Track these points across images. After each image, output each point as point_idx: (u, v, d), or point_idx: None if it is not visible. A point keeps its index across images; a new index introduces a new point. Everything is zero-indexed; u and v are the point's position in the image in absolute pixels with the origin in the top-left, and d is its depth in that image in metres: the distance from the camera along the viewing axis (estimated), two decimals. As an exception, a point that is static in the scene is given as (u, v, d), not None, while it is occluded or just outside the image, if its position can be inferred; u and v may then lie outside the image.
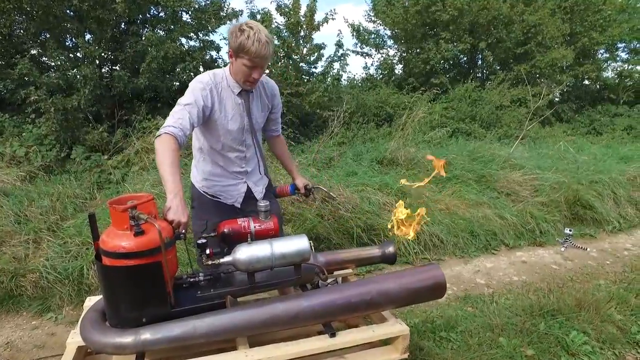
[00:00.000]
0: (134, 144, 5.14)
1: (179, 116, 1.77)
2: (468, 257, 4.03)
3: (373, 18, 12.39)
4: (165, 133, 1.70)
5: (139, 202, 1.57)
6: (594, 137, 10.09)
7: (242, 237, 1.86)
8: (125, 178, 4.83)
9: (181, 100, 1.84)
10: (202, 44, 7.63)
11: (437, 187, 5.08)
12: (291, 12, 7.40)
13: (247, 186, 2.16)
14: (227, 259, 1.69)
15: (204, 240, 1.75)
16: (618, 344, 2.52)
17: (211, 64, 7.95)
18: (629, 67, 13.17)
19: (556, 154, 6.57)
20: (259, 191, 2.20)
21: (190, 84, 1.91)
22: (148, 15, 7.24)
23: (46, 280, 3.08)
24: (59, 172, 5.12)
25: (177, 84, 7.10)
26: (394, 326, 1.82)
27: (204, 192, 2.14)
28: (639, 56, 13.48)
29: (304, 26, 7.43)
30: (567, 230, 4.35)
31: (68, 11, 6.16)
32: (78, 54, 6.60)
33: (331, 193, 2.83)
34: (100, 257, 1.57)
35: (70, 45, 6.67)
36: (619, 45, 13.38)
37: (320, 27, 7.42)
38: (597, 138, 9.74)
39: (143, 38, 6.81)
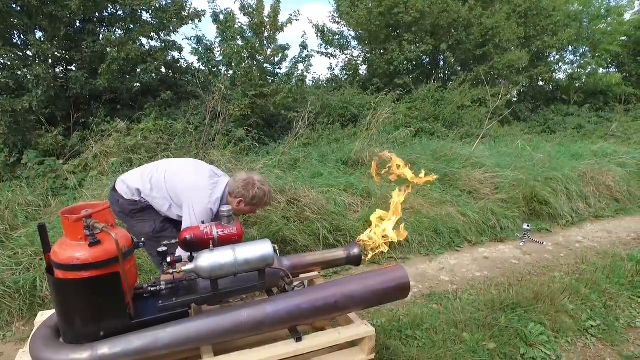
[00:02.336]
0: (92, 147, 4.91)
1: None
2: (433, 255, 4.13)
3: (337, 19, 12.49)
4: None
5: (94, 210, 1.50)
6: (548, 135, 10.60)
7: (204, 243, 1.82)
8: (83, 183, 4.61)
9: (198, 215, 2.15)
10: (163, 44, 7.41)
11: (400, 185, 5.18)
12: (255, 13, 7.32)
13: None
14: (189, 266, 1.65)
15: (164, 248, 1.70)
16: (570, 331, 2.66)
17: (173, 65, 7.75)
18: (578, 70, 13.97)
19: (514, 152, 6.85)
20: None
21: (204, 208, 2.18)
22: (105, 13, 6.96)
23: (-6, 295, 2.89)
24: (8, 178, 4.81)
25: (139, 85, 6.87)
26: (360, 328, 1.84)
27: (138, 199, 2.32)
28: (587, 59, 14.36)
29: (268, 27, 7.37)
30: (525, 226, 4.54)
31: (14, 6, 5.81)
32: (28, 52, 6.25)
33: None
34: (51, 270, 1.49)
35: (19, 43, 6.31)
36: (570, 48, 14.19)
37: (285, 27, 7.39)
38: (551, 136, 10.25)
39: (101, 37, 6.54)
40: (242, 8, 7.35)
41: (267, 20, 7.28)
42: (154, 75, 6.88)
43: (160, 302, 1.64)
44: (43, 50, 5.59)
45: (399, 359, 2.20)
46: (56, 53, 6.26)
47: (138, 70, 6.75)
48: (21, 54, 6.14)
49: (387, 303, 2.22)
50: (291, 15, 7.46)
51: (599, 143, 8.35)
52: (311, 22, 13.78)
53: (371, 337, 1.80)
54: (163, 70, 7.51)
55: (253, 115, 6.83)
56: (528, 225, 4.56)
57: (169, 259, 1.67)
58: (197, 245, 1.84)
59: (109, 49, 6.00)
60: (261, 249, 1.70)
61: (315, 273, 2.34)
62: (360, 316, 1.96)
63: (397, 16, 10.32)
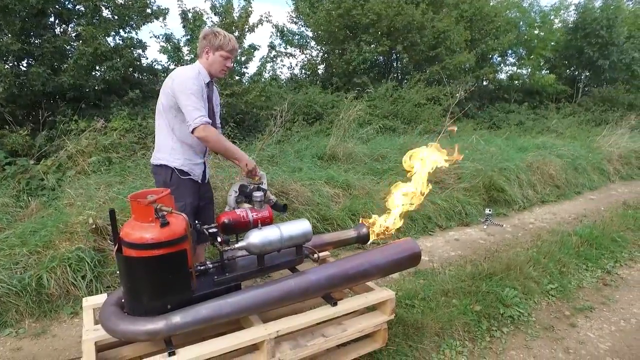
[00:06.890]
0: (68, 146, 4.79)
1: (203, 106, 2.20)
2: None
3: (295, 19, 12.72)
4: (205, 123, 2.14)
5: (158, 196, 1.67)
6: (495, 131, 11.53)
7: (241, 226, 2.02)
8: (61, 183, 4.51)
9: (192, 91, 2.18)
10: (126, 42, 7.25)
11: (375, 177, 5.59)
12: (225, 13, 7.37)
13: (204, 166, 2.50)
14: (241, 244, 1.85)
15: (215, 230, 1.88)
16: (536, 293, 3.16)
17: (133, 63, 7.58)
18: (517, 71, 15.28)
19: (470, 146, 7.47)
20: (207, 172, 2.57)
21: (189, 81, 2.20)
22: (63, 8, 6.70)
23: (-4, 295, 2.86)
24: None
25: (103, 83, 6.69)
26: (382, 292, 2.14)
27: (179, 169, 2.33)
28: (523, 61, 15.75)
29: (239, 27, 7.45)
30: (487, 211, 5.08)
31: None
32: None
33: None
34: (121, 250, 1.64)
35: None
36: (509, 52, 15.48)
37: (256, 28, 7.51)
38: (498, 132, 11.16)
39: (57, 31, 6.30)
40: (213, 8, 7.37)
41: (237, 20, 7.35)
42: (119, 72, 6.73)
43: (215, 277, 1.83)
44: (7, 45, 5.33)
45: (408, 321, 2.52)
46: (12, 48, 5.97)
47: (104, 67, 6.59)
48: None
49: (402, 270, 2.54)
50: (262, 16, 7.61)
51: (540, 137, 9.28)
52: (270, 22, 13.86)
53: (392, 300, 2.10)
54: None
55: (225, 114, 6.90)
56: (489, 210, 5.10)
57: (219, 239, 1.85)
58: (235, 228, 2.04)
59: (75, 43, 5.81)
60: (302, 226, 1.94)
61: (327, 252, 2.61)
62: (377, 285, 2.25)
63: (354, 18, 10.74)
